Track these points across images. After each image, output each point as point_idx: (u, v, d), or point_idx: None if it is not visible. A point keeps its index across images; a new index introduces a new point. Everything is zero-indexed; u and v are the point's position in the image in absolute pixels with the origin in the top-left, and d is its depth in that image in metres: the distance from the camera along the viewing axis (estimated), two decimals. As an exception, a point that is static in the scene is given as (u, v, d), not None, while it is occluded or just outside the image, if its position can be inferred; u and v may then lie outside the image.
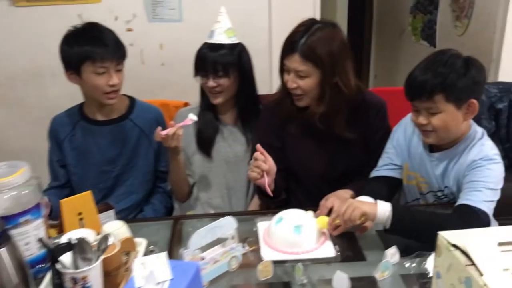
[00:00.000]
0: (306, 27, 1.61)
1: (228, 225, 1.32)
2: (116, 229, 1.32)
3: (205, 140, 1.90)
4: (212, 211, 1.90)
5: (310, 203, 1.63)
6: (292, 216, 1.45)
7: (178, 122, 1.88)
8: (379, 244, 1.45)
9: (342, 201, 1.53)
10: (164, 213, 2.00)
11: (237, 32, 1.86)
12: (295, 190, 1.87)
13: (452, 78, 1.43)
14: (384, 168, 1.74)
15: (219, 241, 1.32)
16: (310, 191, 1.85)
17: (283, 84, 1.71)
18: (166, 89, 2.48)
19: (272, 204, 1.71)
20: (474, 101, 1.47)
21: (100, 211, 1.48)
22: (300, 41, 1.59)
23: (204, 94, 1.90)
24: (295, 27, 1.65)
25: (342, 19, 5.20)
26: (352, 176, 1.80)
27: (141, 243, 1.39)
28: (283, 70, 1.69)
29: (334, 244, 1.43)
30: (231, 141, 1.94)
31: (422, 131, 1.58)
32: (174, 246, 1.46)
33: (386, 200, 1.67)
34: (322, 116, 1.69)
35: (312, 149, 1.80)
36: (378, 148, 1.77)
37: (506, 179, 1.53)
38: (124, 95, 1.95)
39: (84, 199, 1.43)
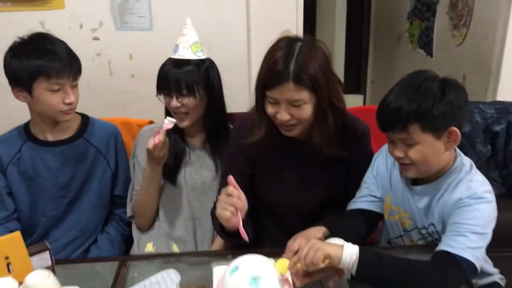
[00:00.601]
0: (286, 50, 1.39)
1: (169, 280, 1.13)
2: (40, 281, 1.14)
3: (170, 166, 1.71)
4: (174, 245, 1.71)
5: (285, 239, 1.42)
6: (249, 264, 1.26)
7: (142, 141, 1.73)
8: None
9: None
10: (120, 242, 1.82)
11: (213, 45, 1.68)
12: (266, 223, 1.69)
13: (427, 105, 1.27)
14: (362, 200, 1.55)
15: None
16: (284, 225, 1.67)
17: (261, 117, 1.50)
18: (137, 102, 2.30)
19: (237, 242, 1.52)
20: (455, 128, 1.30)
21: (32, 253, 1.30)
22: (289, 67, 1.36)
23: (169, 113, 1.71)
24: (269, 53, 1.43)
25: (340, 23, 5.05)
26: (330, 208, 1.62)
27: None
28: (261, 101, 1.47)
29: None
30: (198, 166, 1.77)
31: (400, 164, 1.40)
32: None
33: (362, 238, 1.50)
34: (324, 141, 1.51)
35: (287, 180, 1.62)
36: (358, 177, 1.59)
37: (506, 207, 1.39)
38: (76, 112, 1.77)
39: (12, 241, 1.26)
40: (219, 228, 1.44)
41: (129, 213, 1.77)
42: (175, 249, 1.70)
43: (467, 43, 2.60)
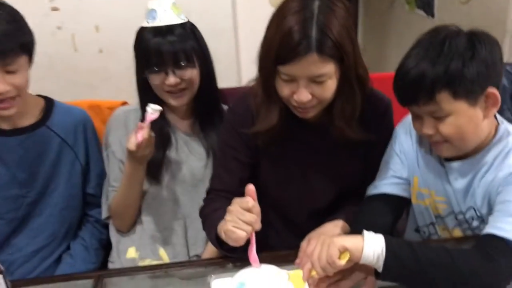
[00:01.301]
0: (303, 13, 1.07)
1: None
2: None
3: (153, 158, 1.41)
4: (160, 249, 1.44)
5: (297, 240, 1.17)
6: (258, 280, 0.99)
7: (116, 127, 1.43)
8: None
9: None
10: (97, 248, 1.54)
11: (191, 8, 1.39)
12: (273, 222, 1.42)
13: (456, 65, 1.04)
14: (384, 183, 1.30)
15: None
16: (294, 223, 1.41)
17: (271, 99, 1.21)
18: (106, 81, 2.00)
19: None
20: (493, 90, 1.08)
21: (-21, 278, 1.01)
22: (311, 34, 1.05)
23: (147, 93, 1.42)
24: (278, 18, 1.10)
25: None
26: (347, 200, 1.36)
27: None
28: (271, 80, 1.17)
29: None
30: (185, 154, 1.49)
31: (432, 143, 1.16)
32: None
33: (389, 230, 1.24)
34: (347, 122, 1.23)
35: (298, 172, 1.34)
36: (379, 163, 1.33)
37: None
38: (38, 95, 1.47)
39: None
40: (215, 239, 1.15)
41: (104, 214, 1.49)
42: (163, 254, 1.43)
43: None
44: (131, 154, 1.32)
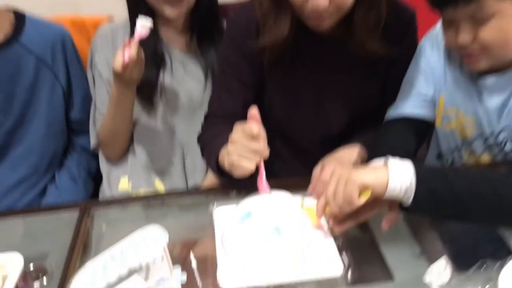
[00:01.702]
0: None
1: (151, 242, 0.73)
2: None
3: (144, 81, 1.24)
4: (156, 180, 1.30)
5: (306, 168, 1.04)
6: (268, 208, 0.86)
7: (102, 46, 1.27)
8: (411, 244, 0.87)
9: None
10: (86, 179, 1.40)
11: None
12: (280, 150, 1.28)
13: None
14: (407, 104, 1.15)
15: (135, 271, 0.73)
16: (304, 152, 1.27)
17: (281, 7, 1.04)
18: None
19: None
20: None
21: None
22: None
23: (137, 3, 1.24)
24: None
25: None
26: (362, 125, 1.21)
27: (13, 262, 0.80)
28: None
29: (340, 250, 0.85)
30: (181, 76, 1.32)
31: (466, 56, 1.00)
32: (74, 259, 0.88)
33: (411, 156, 1.10)
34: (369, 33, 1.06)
35: (310, 94, 1.19)
36: (401, 81, 1.18)
37: None
38: (9, 11, 1.29)
39: None
40: (216, 166, 1.01)
41: (93, 142, 1.34)
42: (158, 185, 1.29)
43: None
44: (117, 76, 1.15)
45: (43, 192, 1.35)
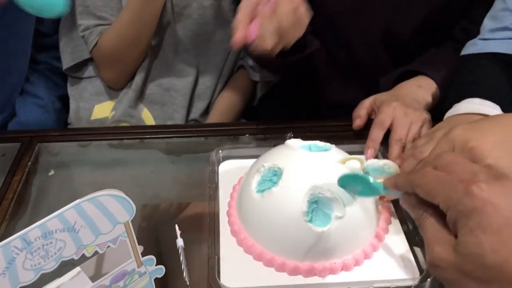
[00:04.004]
0: None
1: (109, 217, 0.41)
2: None
3: None
4: (144, 110, 0.95)
5: (351, 94, 0.79)
6: (305, 168, 0.55)
7: None
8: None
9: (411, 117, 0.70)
10: (60, 109, 1.06)
11: None
12: (320, 65, 0.94)
13: None
14: (500, 37, 0.77)
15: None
16: (351, 67, 0.93)
17: None
18: None
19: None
20: None
21: None
22: None
23: None
24: None
25: None
26: (431, 38, 0.86)
27: None
28: None
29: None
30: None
31: None
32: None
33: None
34: None
35: None
36: None
37: None
38: None
39: None
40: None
41: (68, 60, 0.98)
42: (147, 117, 0.95)
43: None
44: None
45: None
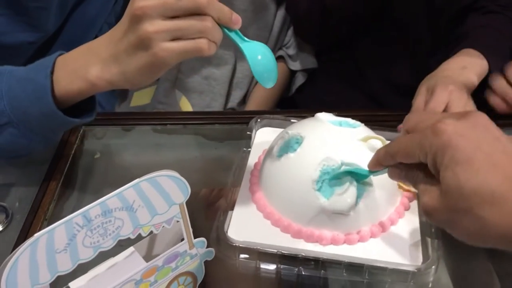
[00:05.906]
0: None
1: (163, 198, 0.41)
2: None
3: None
4: (183, 98, 0.96)
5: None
6: (319, 134, 0.59)
7: None
8: None
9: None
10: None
11: None
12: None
13: None
14: None
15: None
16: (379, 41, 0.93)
17: None
18: None
19: None
20: None
21: None
22: None
23: None
24: None
25: None
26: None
27: None
28: None
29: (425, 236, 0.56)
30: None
31: None
32: (47, 198, 0.58)
33: None
34: None
35: None
36: None
37: None
38: None
39: None
40: None
41: None
42: (184, 105, 0.95)
43: None
44: None
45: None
